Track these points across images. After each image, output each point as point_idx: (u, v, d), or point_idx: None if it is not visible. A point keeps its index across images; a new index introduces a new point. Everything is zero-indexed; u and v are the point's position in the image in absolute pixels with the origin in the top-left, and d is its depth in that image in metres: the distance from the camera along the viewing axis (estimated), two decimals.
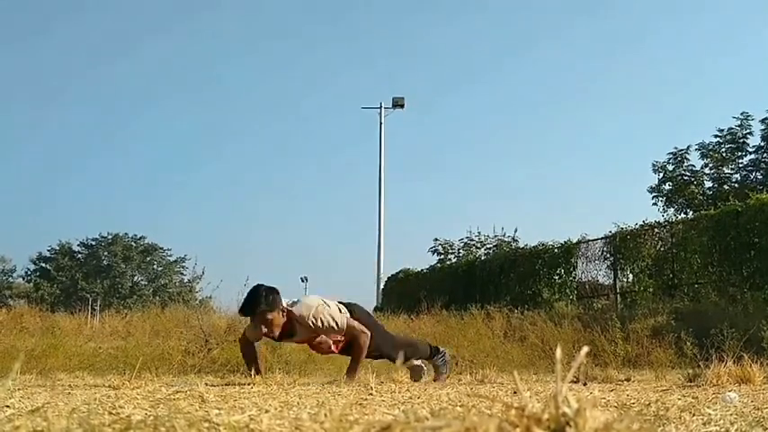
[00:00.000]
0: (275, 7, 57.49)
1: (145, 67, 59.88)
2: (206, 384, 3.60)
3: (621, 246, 14.30)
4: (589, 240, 15.15)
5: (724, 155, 21.64)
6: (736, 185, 20.88)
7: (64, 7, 59.44)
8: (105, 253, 42.72)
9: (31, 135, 58.72)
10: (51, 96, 60.47)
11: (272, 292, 4.40)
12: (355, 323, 4.59)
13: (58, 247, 42.04)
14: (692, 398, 2.59)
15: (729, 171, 21.82)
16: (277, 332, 4.44)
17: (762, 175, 21.37)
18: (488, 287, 16.13)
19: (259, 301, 4.33)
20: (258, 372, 4.57)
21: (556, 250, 15.51)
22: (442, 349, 5.22)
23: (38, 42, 58.34)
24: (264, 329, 4.41)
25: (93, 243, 42.88)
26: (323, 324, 4.44)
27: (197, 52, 59.78)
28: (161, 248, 43.35)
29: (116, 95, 60.23)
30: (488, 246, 24.47)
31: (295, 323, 4.44)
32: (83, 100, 60.01)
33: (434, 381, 4.95)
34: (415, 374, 5.06)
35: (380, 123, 24.11)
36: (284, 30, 58.18)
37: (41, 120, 59.44)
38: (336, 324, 4.50)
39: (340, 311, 4.59)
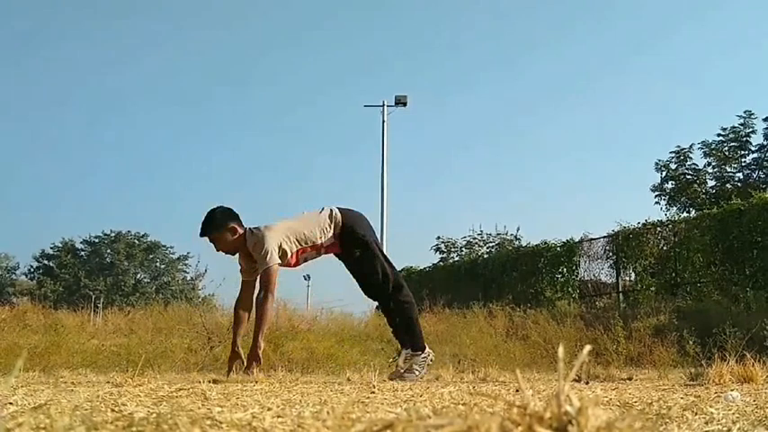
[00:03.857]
0: (276, 6, 57.51)
1: (148, 68, 59.93)
2: (209, 382, 3.60)
3: (624, 244, 14.29)
4: (592, 239, 15.15)
5: (727, 154, 21.60)
6: (739, 184, 20.86)
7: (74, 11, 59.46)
8: (108, 251, 42.77)
9: (33, 133, 58.82)
10: (54, 94, 60.57)
11: (224, 213, 4.44)
12: (271, 278, 4.30)
13: (61, 245, 42.11)
14: (695, 397, 2.59)
15: (732, 170, 21.79)
16: (228, 251, 4.45)
17: (765, 173, 21.34)
18: (491, 285, 16.15)
19: (208, 222, 4.42)
20: (233, 353, 4.50)
21: (558, 249, 15.50)
22: (428, 350, 4.82)
23: (44, 42, 58.43)
24: (217, 249, 4.46)
25: (96, 241, 42.93)
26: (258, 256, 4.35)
27: (199, 52, 59.81)
28: (164, 246, 43.41)
29: (119, 93, 60.29)
30: (491, 244, 24.48)
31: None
32: (86, 97, 60.10)
33: (397, 376, 4.57)
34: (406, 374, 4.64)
35: (383, 121, 24.07)
36: (286, 29, 58.19)
37: (44, 118, 59.54)
38: (263, 260, 4.30)
39: (280, 249, 4.37)
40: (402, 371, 4.65)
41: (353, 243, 4.62)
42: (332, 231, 4.54)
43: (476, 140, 52.90)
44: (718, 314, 9.10)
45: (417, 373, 4.67)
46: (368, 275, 4.70)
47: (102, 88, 59.62)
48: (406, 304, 4.80)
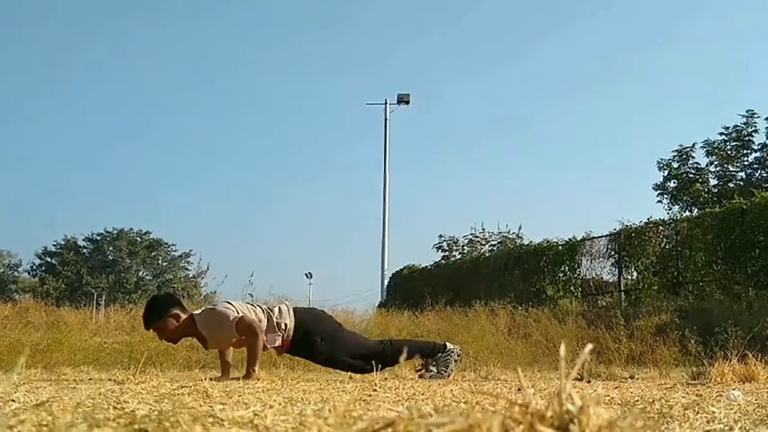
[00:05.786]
0: (279, 4, 57.49)
1: (149, 64, 59.94)
2: (210, 380, 3.60)
3: (626, 243, 14.28)
4: (594, 237, 15.14)
5: (729, 153, 21.60)
6: (742, 183, 20.85)
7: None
8: (110, 248, 42.79)
9: (37, 131, 58.86)
10: (58, 92, 60.61)
11: (163, 299, 4.37)
12: (246, 318, 4.21)
13: (63, 242, 42.15)
14: (696, 396, 2.59)
15: (734, 169, 21.78)
16: (175, 337, 4.33)
17: (767, 172, 21.32)
18: (493, 284, 16.12)
19: (148, 312, 4.31)
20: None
21: (560, 247, 15.50)
22: (449, 347, 4.86)
23: (43, 38, 58.49)
24: (163, 339, 4.37)
25: (99, 238, 42.96)
26: (211, 331, 4.25)
27: (200, 51, 59.83)
28: (166, 244, 43.38)
29: (121, 90, 60.30)
30: (493, 242, 24.47)
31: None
32: (91, 96, 60.13)
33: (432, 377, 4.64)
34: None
35: (386, 120, 24.11)
36: (288, 27, 58.19)
37: (47, 116, 59.61)
38: (222, 330, 4.20)
39: (237, 312, 4.25)
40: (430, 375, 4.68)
41: (311, 335, 4.55)
42: (266, 319, 4.40)
43: (478, 139, 52.89)
44: (720, 313, 9.10)
45: (443, 371, 4.71)
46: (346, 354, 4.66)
47: (104, 86, 59.68)
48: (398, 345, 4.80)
